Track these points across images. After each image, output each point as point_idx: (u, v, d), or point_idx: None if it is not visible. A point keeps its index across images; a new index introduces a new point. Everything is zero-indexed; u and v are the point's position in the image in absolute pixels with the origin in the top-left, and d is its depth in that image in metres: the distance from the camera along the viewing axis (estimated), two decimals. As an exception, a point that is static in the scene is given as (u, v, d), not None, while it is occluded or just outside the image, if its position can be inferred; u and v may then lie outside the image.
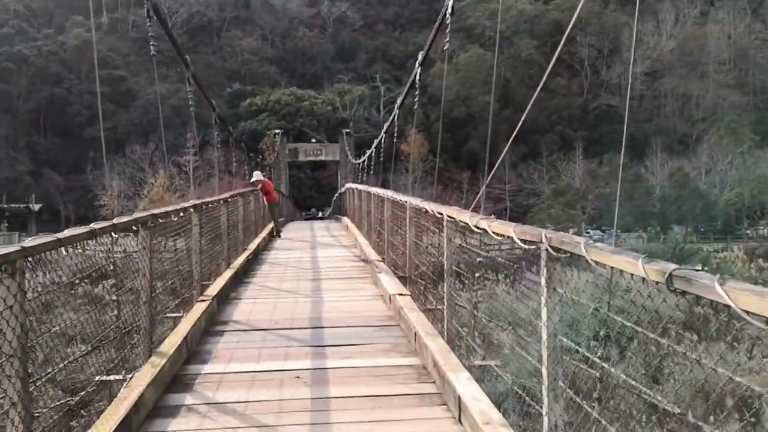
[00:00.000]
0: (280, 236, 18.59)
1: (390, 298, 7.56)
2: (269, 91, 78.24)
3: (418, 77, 13.03)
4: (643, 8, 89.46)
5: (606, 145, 74.57)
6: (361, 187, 16.94)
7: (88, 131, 70.74)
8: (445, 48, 9.96)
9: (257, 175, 19.08)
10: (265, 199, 18.65)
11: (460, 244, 5.37)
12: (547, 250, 3.22)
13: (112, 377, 4.73)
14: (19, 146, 68.58)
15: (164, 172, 51.84)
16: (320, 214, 58.35)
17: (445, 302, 5.50)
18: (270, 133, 62.22)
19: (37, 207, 60.93)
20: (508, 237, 3.77)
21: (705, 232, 61.75)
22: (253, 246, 13.34)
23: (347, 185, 23.77)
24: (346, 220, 22.29)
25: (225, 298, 8.30)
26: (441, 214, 5.71)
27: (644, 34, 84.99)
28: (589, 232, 58.57)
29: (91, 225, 4.34)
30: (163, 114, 71.00)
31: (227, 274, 9.39)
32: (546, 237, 3.23)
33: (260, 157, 48.28)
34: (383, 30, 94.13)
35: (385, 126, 20.98)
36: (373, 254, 11.38)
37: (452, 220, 5.34)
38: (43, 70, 71.55)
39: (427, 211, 6.54)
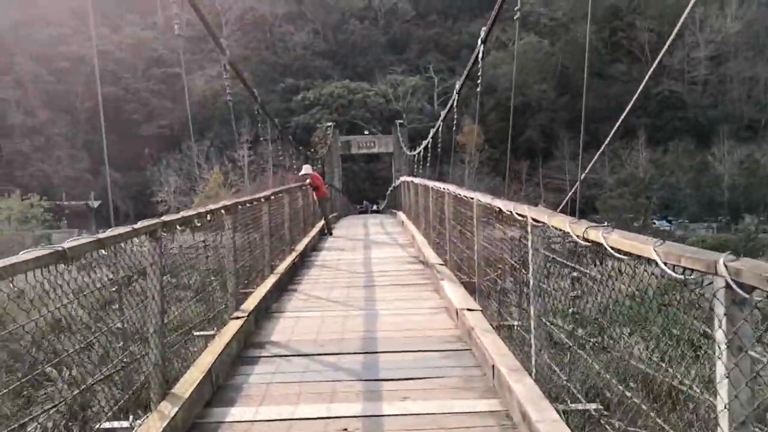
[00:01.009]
0: (332, 234, 17.44)
1: (457, 313, 6.39)
2: (321, 84, 77.86)
3: (480, 62, 11.82)
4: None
5: (669, 132, 71.74)
6: (417, 180, 15.70)
7: (145, 128, 71.75)
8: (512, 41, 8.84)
9: (306, 169, 18.08)
10: (314, 195, 17.62)
11: (552, 258, 4.17)
12: (729, 285, 2.02)
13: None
14: (78, 145, 69.86)
15: (217, 167, 51.69)
16: (375, 207, 57.54)
17: (533, 329, 4.31)
18: (322, 126, 61.60)
19: (96, 204, 61.90)
20: (642, 257, 2.57)
21: (777, 220, 58.41)
22: (301, 246, 12.37)
23: (402, 178, 22.51)
24: (401, 215, 20.97)
25: (265, 311, 7.33)
26: (523, 216, 4.52)
27: (707, 16, 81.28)
28: (655, 223, 56.14)
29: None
30: (218, 110, 71.77)
31: (270, 281, 8.45)
32: (726, 266, 2.01)
33: (312, 150, 47.59)
34: (435, 20, 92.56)
35: (443, 114, 19.79)
36: (432, 256, 10.25)
37: (541, 224, 4.16)
38: (100, 69, 72.58)
39: (500, 211, 5.35)
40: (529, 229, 4.33)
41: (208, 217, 5.64)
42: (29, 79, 70.80)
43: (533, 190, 60.87)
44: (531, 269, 4.29)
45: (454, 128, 16.61)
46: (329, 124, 58.01)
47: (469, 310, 6.16)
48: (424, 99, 79.47)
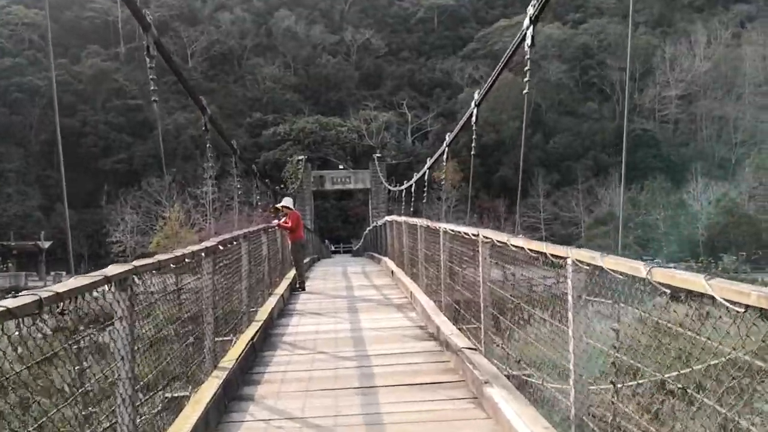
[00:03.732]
0: (304, 289, 14.06)
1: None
2: (292, 119, 75.74)
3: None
4: (673, 30, 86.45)
5: (643, 171, 71.02)
6: (414, 221, 12.56)
7: (103, 163, 68.48)
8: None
9: (287, 202, 14.87)
10: (288, 238, 14.64)
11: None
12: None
13: None
14: (30, 180, 66.17)
15: (178, 205, 48.65)
16: (351, 246, 55.02)
17: None
18: (292, 160, 58.92)
19: (47, 244, 57.72)
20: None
21: (758, 261, 57.33)
22: (264, 314, 9.15)
23: (388, 218, 19.34)
24: (388, 262, 17.79)
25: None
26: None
27: (677, 56, 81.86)
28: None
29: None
30: (181, 144, 68.98)
31: (204, 392, 5.13)
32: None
33: (282, 185, 44.89)
34: (408, 57, 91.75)
35: (434, 156, 17.83)
36: (450, 330, 7.28)
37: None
38: (57, 100, 69.40)
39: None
40: None
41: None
42: (-20, 110, 67.43)
43: (512, 229, 58.95)
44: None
45: (443, 173, 14.54)
46: (300, 157, 55.54)
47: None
48: (399, 134, 77.95)
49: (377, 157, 54.11)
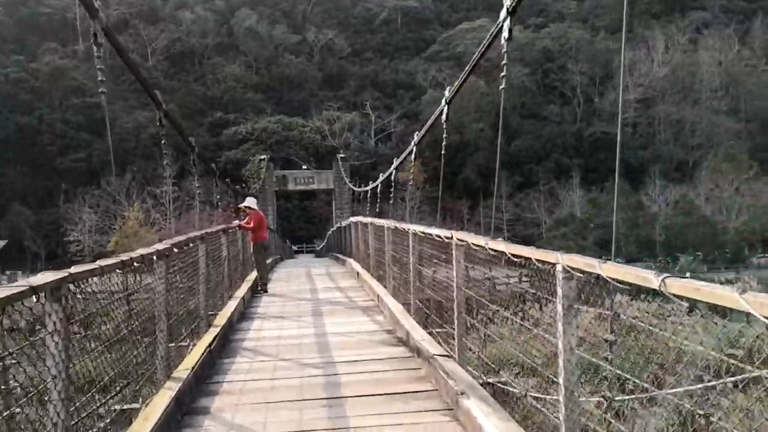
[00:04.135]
0: (266, 291, 13.75)
1: None
2: (254, 119, 74.85)
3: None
4: (632, 36, 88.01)
5: (603, 173, 72.11)
6: (381, 222, 12.29)
7: (61, 161, 66.78)
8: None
9: (250, 202, 14.35)
10: (250, 238, 14.28)
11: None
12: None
13: None
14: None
15: (137, 204, 47.67)
16: (314, 247, 54.57)
17: None
18: (254, 159, 58.05)
19: (1, 244, 56.14)
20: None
21: (713, 261, 58.75)
22: (223, 319, 8.69)
23: (353, 219, 19.16)
24: (353, 263, 17.55)
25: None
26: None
27: (635, 61, 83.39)
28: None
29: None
30: (141, 143, 67.68)
31: (156, 406, 4.75)
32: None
33: (243, 185, 44.20)
34: (372, 58, 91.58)
35: (400, 159, 17.60)
36: (421, 335, 7.01)
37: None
38: (12, 98, 67.43)
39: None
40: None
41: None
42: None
43: (475, 229, 59.25)
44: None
45: (411, 175, 14.52)
46: (263, 157, 54.73)
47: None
48: (363, 136, 77.71)
49: (341, 157, 53.71)
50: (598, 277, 3.22)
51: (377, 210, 20.75)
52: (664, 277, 2.68)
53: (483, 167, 72.09)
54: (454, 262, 5.90)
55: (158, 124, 8.71)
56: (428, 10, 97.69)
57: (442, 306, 6.63)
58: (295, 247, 53.45)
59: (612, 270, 3.10)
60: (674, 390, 2.97)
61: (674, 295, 2.63)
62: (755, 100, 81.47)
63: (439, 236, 6.52)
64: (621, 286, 3.05)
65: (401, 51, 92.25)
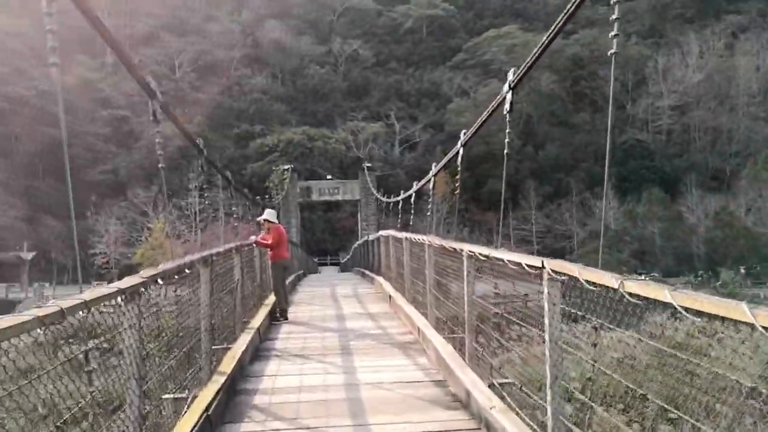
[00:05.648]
0: (286, 318, 12.09)
1: None
2: (279, 130, 74.51)
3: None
4: (665, 41, 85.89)
5: (636, 182, 70.10)
6: (419, 237, 10.15)
7: (89, 174, 66.92)
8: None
9: (269, 215, 12.70)
10: (269, 256, 12.67)
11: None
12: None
13: None
14: (14, 191, 64.51)
15: (163, 216, 47.31)
16: (339, 259, 53.60)
17: None
18: (277, 169, 56.87)
19: (29, 255, 56.29)
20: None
21: (758, 276, 55.73)
22: (231, 361, 7.06)
23: (383, 232, 17.46)
24: (382, 282, 15.92)
25: None
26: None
27: (670, 67, 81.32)
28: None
29: None
30: (168, 155, 67.70)
31: None
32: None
33: (266, 195, 43.27)
34: (396, 67, 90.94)
35: (434, 170, 16.38)
36: (486, 396, 5.39)
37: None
38: (42, 110, 67.89)
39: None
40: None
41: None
42: (-38, 120, 65.90)
43: (504, 241, 57.73)
44: None
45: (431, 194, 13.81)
46: (287, 167, 53.54)
47: None
48: (387, 146, 76.93)
49: (367, 167, 52.48)
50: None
51: (410, 222, 19.51)
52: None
53: (511, 177, 70.60)
54: (545, 304, 4.20)
55: (151, 118, 7.12)
56: (454, 19, 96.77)
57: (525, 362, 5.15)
58: (318, 260, 52.59)
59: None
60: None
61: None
62: (795, 106, 78.79)
63: (514, 261, 4.86)
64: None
65: (426, 60, 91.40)
